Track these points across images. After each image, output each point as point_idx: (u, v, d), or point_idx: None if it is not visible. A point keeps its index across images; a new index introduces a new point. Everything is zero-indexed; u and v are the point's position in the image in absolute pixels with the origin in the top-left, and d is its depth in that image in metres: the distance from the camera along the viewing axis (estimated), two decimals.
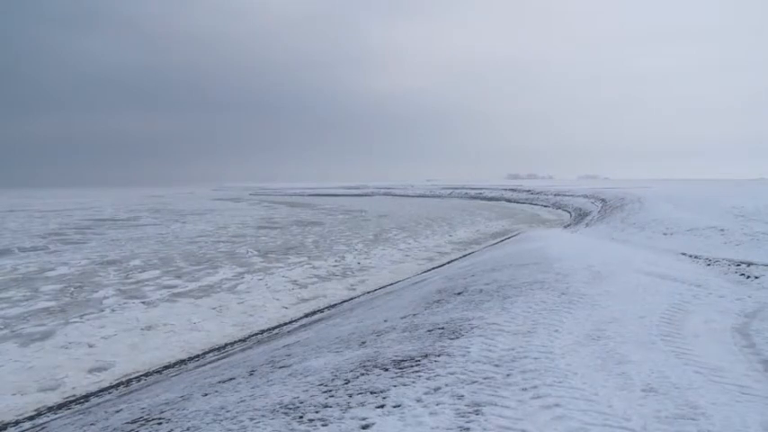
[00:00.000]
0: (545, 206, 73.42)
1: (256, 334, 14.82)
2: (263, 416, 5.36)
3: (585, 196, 62.40)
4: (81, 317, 16.61)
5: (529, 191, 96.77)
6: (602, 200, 50.58)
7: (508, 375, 5.78)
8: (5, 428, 9.47)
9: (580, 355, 6.45)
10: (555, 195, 79.00)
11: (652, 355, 6.60)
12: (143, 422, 6.31)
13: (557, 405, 4.98)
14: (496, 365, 6.11)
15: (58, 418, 9.23)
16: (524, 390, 5.36)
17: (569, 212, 56.91)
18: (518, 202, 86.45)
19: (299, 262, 27.16)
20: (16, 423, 9.64)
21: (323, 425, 4.92)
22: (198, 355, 13.17)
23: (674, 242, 20.02)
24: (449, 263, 25.10)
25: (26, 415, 10.06)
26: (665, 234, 22.10)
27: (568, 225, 41.12)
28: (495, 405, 5.03)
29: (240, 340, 14.27)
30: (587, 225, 34.24)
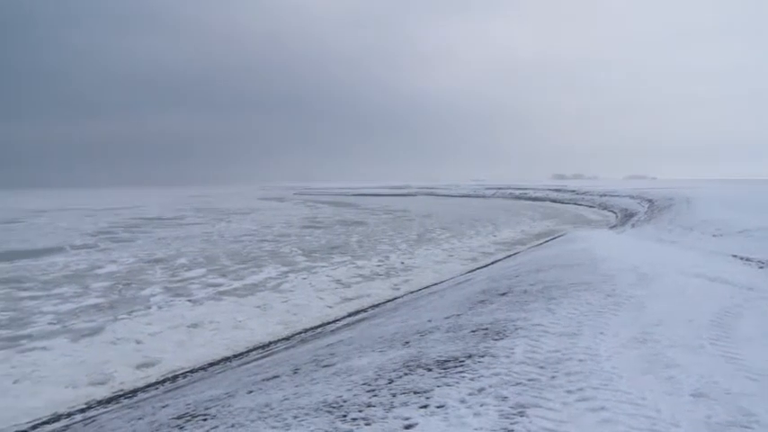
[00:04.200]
0: (590, 206, 72.49)
1: (300, 333, 14.91)
2: (306, 414, 5.38)
3: (632, 196, 61.49)
4: (129, 313, 16.92)
5: (574, 191, 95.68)
6: (649, 200, 49.80)
7: (553, 377, 5.71)
8: (59, 419, 9.71)
9: (626, 358, 6.34)
10: (600, 195, 77.97)
11: (701, 359, 6.45)
12: (189, 418, 6.40)
13: (602, 408, 4.89)
14: (541, 367, 6.04)
15: (108, 411, 9.41)
16: (569, 392, 5.28)
17: (615, 213, 56.10)
18: (563, 203, 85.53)
19: (343, 261, 27.26)
20: (68, 415, 9.88)
21: (366, 424, 4.92)
22: (242, 353, 13.31)
23: (725, 244, 19.60)
24: (493, 263, 24.94)
25: (77, 407, 10.30)
26: (714, 235, 21.66)
27: (614, 226, 40.55)
28: (540, 407, 4.97)
29: (284, 339, 14.37)
30: (634, 226, 33.74)
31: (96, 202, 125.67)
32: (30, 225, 56.43)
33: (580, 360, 6.22)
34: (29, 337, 14.73)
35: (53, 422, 9.61)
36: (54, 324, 15.97)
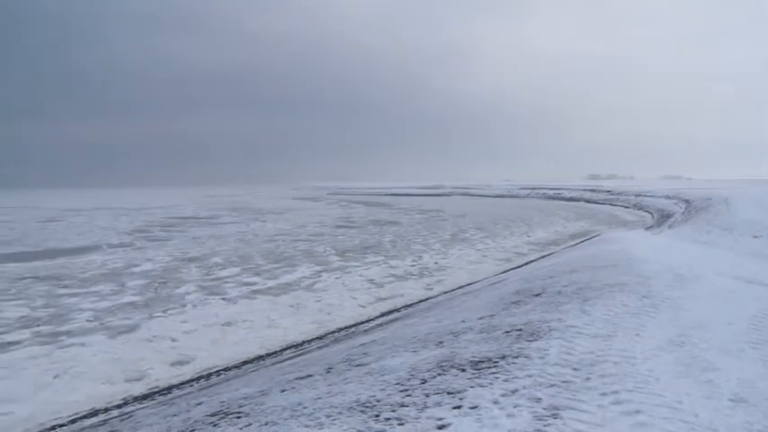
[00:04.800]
0: (625, 207, 71.63)
1: (333, 332, 14.97)
2: (339, 413, 5.40)
3: (668, 197, 60.68)
4: (164, 311, 17.14)
5: (609, 191, 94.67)
6: (686, 201, 49.11)
7: (587, 379, 5.65)
8: (96, 414, 9.88)
9: (663, 361, 6.25)
10: (636, 196, 77.07)
11: (740, 363, 6.33)
12: (222, 415, 6.46)
13: (638, 412, 4.83)
14: (575, 369, 5.99)
15: (143, 407, 9.54)
16: (604, 395, 5.23)
17: (651, 214, 55.39)
18: (597, 203, 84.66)
19: (377, 261, 27.30)
20: (105, 410, 10.06)
21: (399, 424, 4.93)
22: (276, 352, 13.39)
23: (765, 245, 19.24)
24: (527, 264, 24.79)
25: (114, 403, 10.47)
26: (754, 237, 21.30)
27: (650, 226, 40.05)
28: (574, 409, 4.93)
29: (317, 338, 14.43)
30: (670, 227, 33.29)
31: (131, 201, 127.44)
32: (68, 224, 57.41)
33: (615, 362, 6.16)
34: (68, 333, 15.00)
35: (91, 417, 9.79)
36: (92, 321, 16.24)
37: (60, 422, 9.70)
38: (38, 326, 15.78)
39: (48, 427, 9.56)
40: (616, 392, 5.25)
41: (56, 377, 11.67)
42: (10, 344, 14.12)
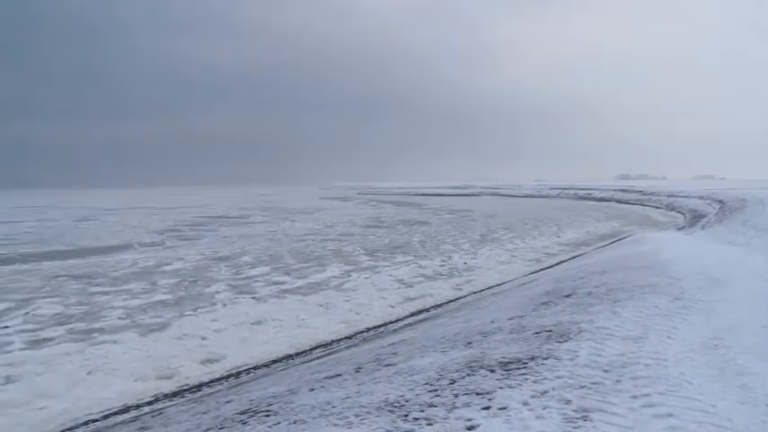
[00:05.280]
0: (657, 207, 70.78)
1: (362, 332, 14.99)
2: (368, 413, 5.41)
3: (701, 197, 59.83)
4: (194, 310, 17.29)
5: (640, 191, 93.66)
6: (720, 201, 48.39)
7: (618, 381, 5.60)
8: (128, 411, 10.01)
9: (695, 364, 6.16)
10: (668, 196, 76.11)
11: None
12: (252, 413, 6.50)
13: (670, 415, 4.76)
14: (605, 371, 5.94)
15: (174, 405, 9.64)
16: (635, 397, 5.16)
17: (683, 214, 54.65)
18: (629, 203, 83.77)
19: (406, 261, 27.28)
20: (137, 407, 10.18)
21: (428, 424, 4.92)
22: (305, 351, 13.44)
23: None
24: (557, 264, 24.63)
25: (145, 400, 10.60)
26: None
27: (682, 227, 39.52)
28: (604, 412, 4.88)
29: (346, 337, 14.46)
30: (703, 228, 32.80)
31: (162, 200, 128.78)
32: (101, 223, 58.20)
33: (646, 365, 6.09)
34: (100, 330, 15.21)
35: (123, 413, 9.91)
36: (123, 319, 16.44)
37: (93, 417, 9.85)
38: (71, 323, 16.03)
39: (81, 421, 9.71)
40: (647, 395, 5.19)
41: (89, 373, 11.84)
42: (45, 340, 14.38)
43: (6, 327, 15.67)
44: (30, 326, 15.73)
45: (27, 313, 17.11)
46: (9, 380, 11.53)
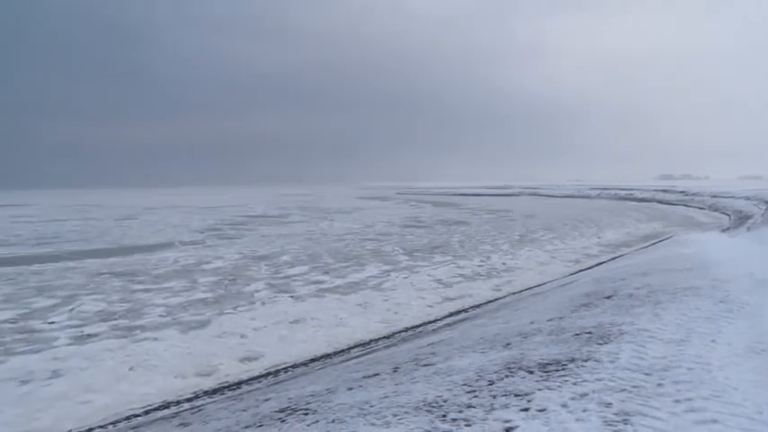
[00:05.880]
0: (700, 208, 69.53)
1: (401, 331, 14.99)
2: (406, 412, 5.41)
3: (747, 198, 58.64)
4: (234, 308, 17.48)
5: (683, 192, 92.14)
6: (767, 202, 47.39)
7: (659, 385, 5.50)
8: (168, 407, 10.14)
9: (740, 369, 6.02)
10: (712, 197, 74.75)
11: None
12: (290, 412, 6.54)
13: (714, 421, 4.65)
14: (647, 374, 5.84)
15: (213, 402, 9.74)
16: (677, 402, 5.06)
17: (728, 215, 53.63)
18: (670, 204, 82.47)
19: (445, 261, 27.23)
20: (177, 403, 10.32)
21: (466, 425, 4.90)
22: (343, 350, 13.48)
23: None
24: (597, 265, 24.36)
25: (185, 396, 10.74)
26: None
27: (727, 229, 38.79)
28: (646, 416, 4.79)
29: (384, 337, 14.48)
30: (749, 229, 32.13)
31: (202, 200, 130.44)
32: (143, 222, 59.16)
33: (689, 368, 5.97)
34: (142, 327, 15.46)
35: (163, 409, 10.05)
36: (164, 316, 16.69)
37: (135, 413, 10.00)
38: (114, 320, 16.31)
39: (124, 416, 9.87)
40: (690, 400, 5.09)
41: (130, 369, 12.04)
42: (89, 336, 14.68)
43: (53, 323, 16.05)
44: (74, 322, 16.08)
45: (72, 310, 17.49)
46: (56, 374, 11.83)
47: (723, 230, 37.07)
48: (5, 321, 16.28)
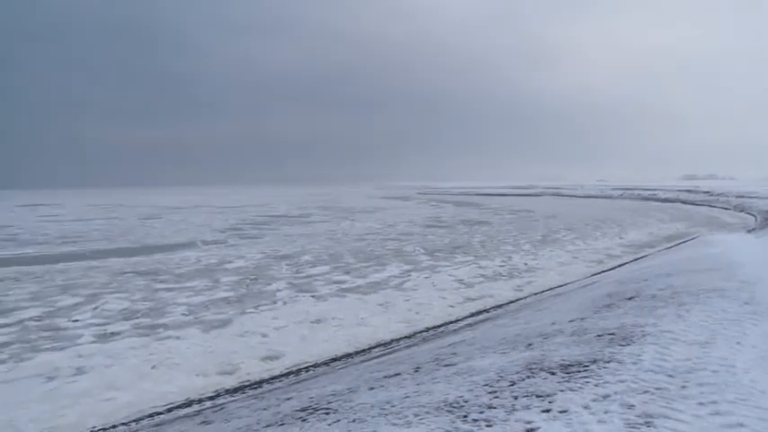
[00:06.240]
0: (725, 209, 68.71)
1: (422, 331, 14.97)
2: (427, 412, 5.40)
3: None
4: (255, 307, 17.56)
5: (707, 192, 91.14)
6: None
7: (683, 387, 5.43)
8: (190, 405, 10.22)
9: (767, 372, 5.95)
10: (737, 197, 73.87)
11: None
12: (311, 411, 6.55)
13: (740, 425, 4.56)
14: (670, 376, 5.78)
15: (235, 400, 9.79)
16: (702, 404, 4.99)
17: (754, 216, 52.97)
18: (695, 204, 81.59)
19: (466, 261, 27.16)
20: (199, 401, 10.39)
21: (487, 425, 4.88)
22: (364, 350, 13.49)
23: None
24: (619, 266, 24.17)
25: (207, 395, 10.81)
26: None
27: (753, 229, 38.30)
28: (669, 418, 4.74)
29: (406, 337, 14.47)
30: None
31: (225, 199, 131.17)
32: (166, 221, 59.59)
33: (714, 371, 5.89)
34: (164, 326, 15.58)
35: (185, 407, 10.12)
36: (187, 315, 16.80)
37: (158, 410, 10.08)
38: (137, 318, 16.45)
39: (147, 414, 9.95)
40: (715, 403, 5.02)
41: (153, 368, 12.14)
42: (113, 334, 14.82)
43: (77, 320, 16.23)
44: (98, 320, 16.25)
45: (95, 308, 17.67)
46: (80, 371, 11.98)
47: (749, 231, 36.63)
48: (32, 319, 16.49)
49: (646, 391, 5.34)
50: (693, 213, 64.11)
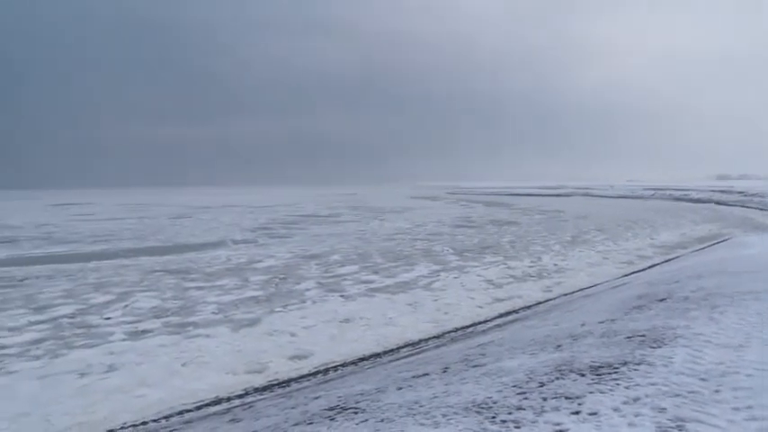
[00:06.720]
0: (760, 209, 67.58)
1: (450, 332, 14.93)
2: (455, 413, 5.38)
3: None
4: (284, 307, 17.63)
5: (741, 192, 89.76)
6: None
7: (716, 391, 5.33)
8: (220, 403, 10.30)
9: None
10: None
11: None
12: (339, 410, 6.56)
13: None
14: (703, 379, 5.69)
15: (263, 398, 9.84)
16: (736, 409, 4.87)
17: None
18: (728, 205, 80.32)
19: (495, 261, 27.03)
20: (228, 399, 10.47)
21: (516, 427, 4.85)
22: (392, 350, 13.49)
23: None
24: (650, 267, 23.90)
25: (236, 393, 10.88)
26: None
27: None
28: (702, 422, 4.66)
29: (434, 337, 14.44)
30: None
31: (255, 199, 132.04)
32: (196, 220, 60.13)
33: (748, 375, 5.77)
34: (194, 324, 15.71)
35: (214, 405, 10.20)
36: (216, 314, 16.92)
37: (187, 408, 10.17)
38: (167, 316, 16.61)
39: (177, 411, 10.05)
40: (750, 408, 4.91)
41: (183, 365, 12.26)
42: (144, 332, 14.99)
43: (109, 318, 16.43)
44: (129, 318, 16.44)
45: (127, 306, 17.88)
46: (112, 368, 12.14)
47: None
48: (65, 316, 16.74)
49: (677, 395, 5.26)
50: (727, 214, 63.12)
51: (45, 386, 11.17)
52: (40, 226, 54.14)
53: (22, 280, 23.09)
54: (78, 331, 15.17)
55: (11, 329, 15.36)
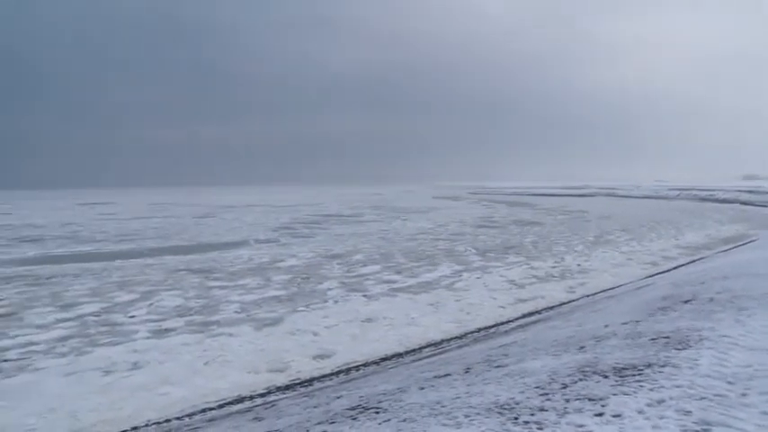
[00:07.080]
0: None
1: (473, 332, 14.89)
2: (477, 414, 5.36)
3: None
4: (307, 306, 17.69)
5: None
6: None
7: (744, 395, 5.25)
8: (242, 401, 10.36)
9: None
10: None
11: None
12: (361, 410, 6.56)
13: None
14: (730, 383, 5.61)
15: (285, 398, 9.87)
16: (765, 414, 4.78)
17: None
18: (755, 205, 79.31)
19: (518, 262, 26.92)
20: (250, 398, 10.53)
21: (538, 428, 4.82)
22: (414, 350, 13.48)
23: None
24: (675, 268, 23.66)
25: (258, 392, 10.93)
26: None
27: None
28: (729, 426, 4.59)
29: (456, 337, 14.41)
30: None
31: (277, 198, 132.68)
32: (220, 220, 60.53)
33: None
34: (217, 323, 15.80)
35: (237, 403, 10.26)
36: (239, 313, 17.02)
37: (210, 406, 10.24)
38: (191, 315, 16.73)
39: (199, 409, 10.12)
40: None
41: (206, 364, 12.33)
42: (167, 330, 15.11)
43: (133, 317, 16.59)
44: (153, 316, 16.58)
45: (151, 305, 18.03)
46: (136, 366, 12.25)
47: None
48: (91, 314, 16.92)
49: (703, 398, 5.20)
50: (754, 214, 62.32)
51: (71, 383, 11.30)
52: (64, 225, 54.83)
53: (48, 278, 23.40)
54: (103, 329, 15.33)
55: (38, 327, 15.57)
